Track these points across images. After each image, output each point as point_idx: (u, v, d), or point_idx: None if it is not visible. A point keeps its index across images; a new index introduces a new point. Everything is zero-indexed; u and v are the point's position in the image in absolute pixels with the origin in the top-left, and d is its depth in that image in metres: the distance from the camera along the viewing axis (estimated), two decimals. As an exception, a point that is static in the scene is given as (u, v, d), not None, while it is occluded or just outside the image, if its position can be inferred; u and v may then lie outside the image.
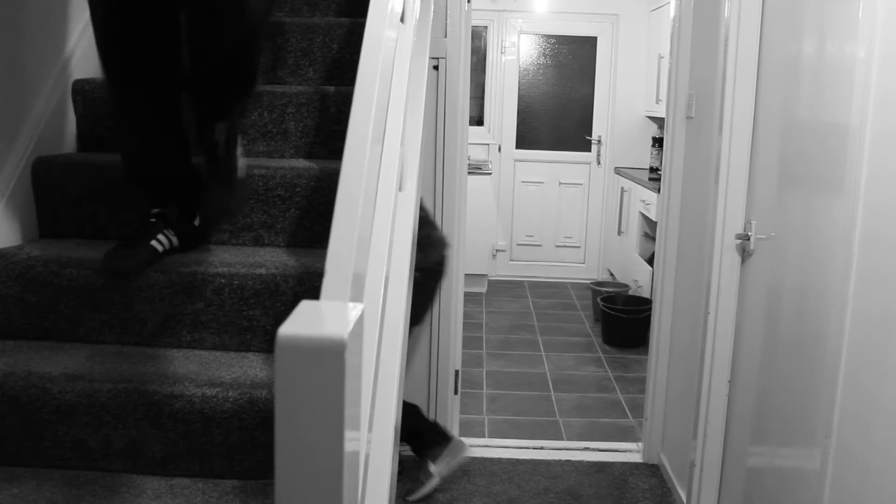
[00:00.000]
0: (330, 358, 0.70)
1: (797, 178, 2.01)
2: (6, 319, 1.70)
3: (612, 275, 5.86)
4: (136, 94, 1.60)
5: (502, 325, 4.94)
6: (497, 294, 5.70)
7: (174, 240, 1.71)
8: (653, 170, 5.34)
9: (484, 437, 3.30)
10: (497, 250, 6.15)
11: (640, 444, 3.17)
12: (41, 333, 1.71)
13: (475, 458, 3.05)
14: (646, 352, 3.32)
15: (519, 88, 6.07)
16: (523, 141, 6.14)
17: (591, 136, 6.03)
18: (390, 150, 1.49)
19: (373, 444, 1.21)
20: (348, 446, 0.73)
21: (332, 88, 2.08)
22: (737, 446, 2.37)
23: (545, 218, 6.14)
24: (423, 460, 2.74)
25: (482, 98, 6.10)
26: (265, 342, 1.70)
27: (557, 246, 6.14)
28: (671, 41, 2.92)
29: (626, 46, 5.88)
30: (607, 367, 4.19)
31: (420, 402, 3.05)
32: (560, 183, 6.09)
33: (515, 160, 6.13)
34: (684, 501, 2.64)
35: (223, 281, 1.68)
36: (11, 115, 1.86)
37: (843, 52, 1.75)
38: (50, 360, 1.59)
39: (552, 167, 6.05)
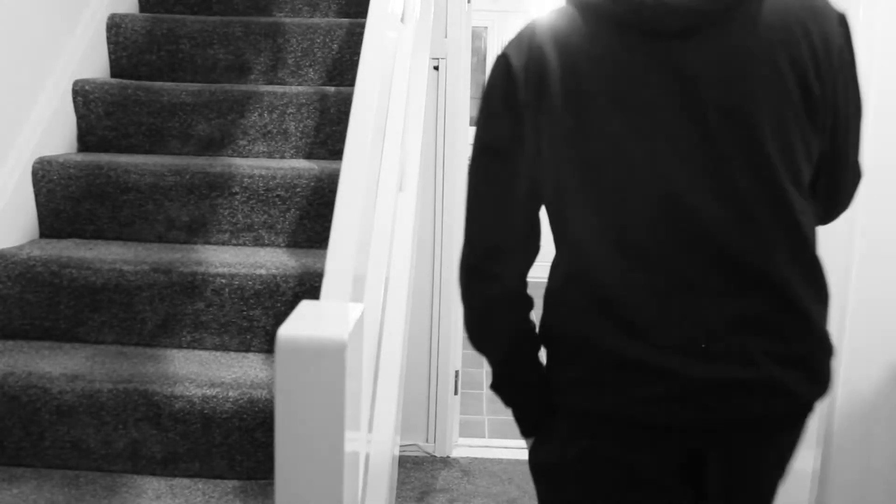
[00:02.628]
0: (330, 358, 0.70)
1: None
2: (6, 319, 1.70)
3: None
4: None
5: (502, 326, 4.93)
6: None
7: None
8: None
9: (484, 437, 3.30)
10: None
11: (640, 444, 3.16)
12: (41, 333, 1.71)
13: (475, 459, 3.05)
14: (646, 352, 3.30)
15: (519, 89, 6.04)
16: (523, 141, 6.12)
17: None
18: (390, 150, 1.49)
19: (373, 444, 1.21)
20: (348, 446, 0.73)
21: (332, 89, 2.08)
22: (737, 447, 2.37)
23: (545, 218, 6.13)
24: None
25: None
26: (265, 342, 1.70)
27: (557, 246, 6.14)
28: (671, 41, 2.91)
29: (626, 47, 5.87)
30: (607, 368, 4.19)
31: (420, 402, 3.05)
32: (560, 183, 6.09)
33: (515, 160, 6.11)
34: (684, 502, 2.64)
35: (223, 281, 1.68)
36: (12, 115, 1.86)
37: (843, 52, 1.75)
38: (50, 360, 1.59)
39: (552, 167, 6.05)
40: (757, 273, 1.00)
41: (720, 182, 0.97)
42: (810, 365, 1.03)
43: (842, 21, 1.02)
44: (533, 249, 1.12)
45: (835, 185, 1.13)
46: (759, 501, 1.14)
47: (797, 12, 0.99)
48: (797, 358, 1.02)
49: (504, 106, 1.04)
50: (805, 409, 1.08)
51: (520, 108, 1.03)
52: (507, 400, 1.19)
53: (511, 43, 1.07)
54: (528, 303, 1.11)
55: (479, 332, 1.15)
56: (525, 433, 1.23)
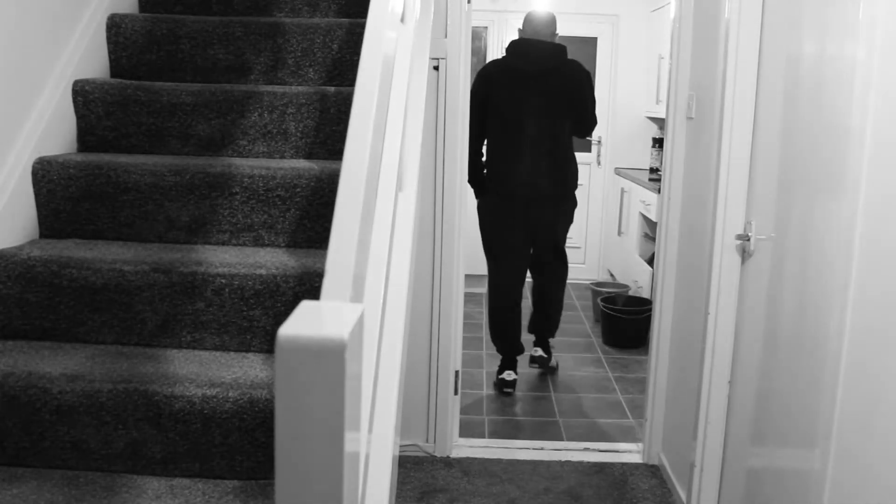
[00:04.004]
0: (330, 358, 0.70)
1: (797, 179, 2.01)
2: (6, 319, 1.70)
3: (612, 275, 5.85)
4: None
5: (502, 326, 4.93)
6: (497, 294, 5.69)
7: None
8: (653, 170, 5.34)
9: (484, 437, 3.30)
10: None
11: (640, 444, 3.17)
12: (41, 333, 1.71)
13: (475, 459, 3.05)
14: (646, 352, 3.32)
15: (519, 89, 6.05)
16: (523, 141, 6.13)
17: (591, 136, 6.02)
18: (390, 150, 1.49)
19: (373, 444, 1.21)
20: (348, 446, 0.73)
21: (332, 89, 2.08)
22: (737, 446, 2.37)
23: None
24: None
25: (482, 98, 6.08)
26: (265, 342, 1.70)
27: (557, 246, 6.13)
28: (671, 42, 2.92)
29: (626, 47, 5.88)
30: (607, 368, 4.19)
31: (420, 402, 3.05)
32: (560, 183, 6.09)
33: (515, 160, 6.11)
34: (684, 502, 2.64)
35: (223, 281, 1.68)
36: (11, 115, 1.86)
37: (844, 52, 1.75)
38: (50, 360, 1.59)
39: (552, 167, 6.05)
40: (547, 154, 3.56)
41: (540, 124, 3.53)
42: (562, 180, 3.64)
43: (587, 75, 3.64)
44: (483, 140, 3.65)
45: (580, 127, 3.68)
46: (553, 228, 3.73)
47: (570, 72, 3.58)
48: (555, 179, 3.60)
49: (480, 92, 3.50)
50: (558, 196, 3.66)
51: (484, 94, 3.54)
52: (475, 185, 3.66)
53: (485, 67, 3.73)
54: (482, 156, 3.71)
55: (471, 167, 3.22)
56: (477, 196, 3.71)
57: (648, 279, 4.47)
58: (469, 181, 3.39)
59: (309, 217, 1.88)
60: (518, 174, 3.55)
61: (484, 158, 3.70)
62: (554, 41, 3.63)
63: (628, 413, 3.59)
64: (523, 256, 3.76)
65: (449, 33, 2.83)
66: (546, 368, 4.03)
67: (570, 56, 3.68)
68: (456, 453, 3.10)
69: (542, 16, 3.69)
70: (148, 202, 1.88)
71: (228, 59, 2.22)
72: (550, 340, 4.09)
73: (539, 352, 4.00)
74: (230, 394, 1.50)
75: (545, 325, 3.99)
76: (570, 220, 3.81)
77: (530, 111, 3.51)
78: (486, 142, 3.66)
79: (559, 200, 3.68)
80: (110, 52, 2.24)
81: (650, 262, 4.50)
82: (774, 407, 2.08)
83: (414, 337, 2.89)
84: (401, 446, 2.94)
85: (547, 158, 3.54)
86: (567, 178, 3.66)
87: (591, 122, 3.70)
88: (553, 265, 3.83)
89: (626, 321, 4.48)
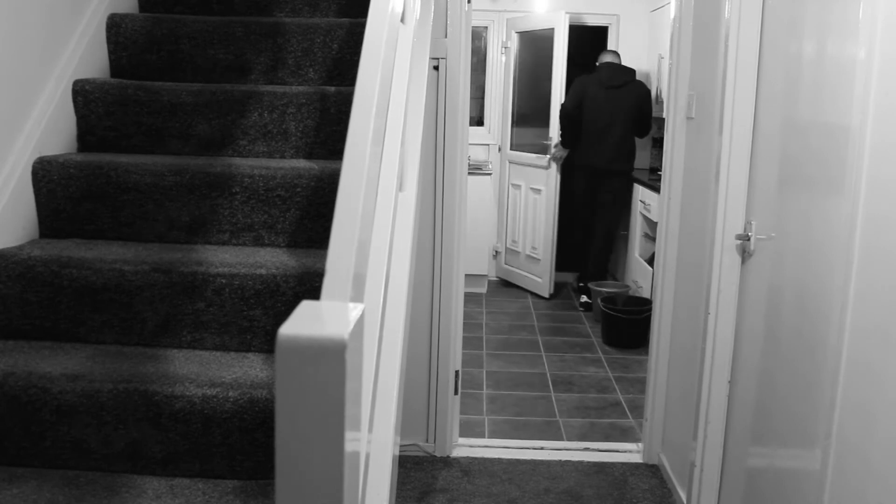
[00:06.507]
0: (330, 358, 0.70)
1: (797, 179, 2.01)
2: (6, 319, 1.70)
3: (612, 275, 5.85)
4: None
5: (502, 326, 4.94)
6: (497, 294, 5.70)
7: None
8: (653, 170, 5.34)
9: (484, 437, 3.30)
10: (497, 251, 6.14)
11: (640, 444, 3.17)
12: (41, 333, 1.71)
13: (475, 459, 3.05)
14: (646, 352, 3.32)
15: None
16: (523, 141, 6.14)
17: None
18: (390, 150, 1.49)
19: (373, 444, 1.21)
20: (348, 446, 0.73)
21: (332, 89, 2.08)
22: (737, 447, 2.37)
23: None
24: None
25: (482, 98, 6.09)
26: (266, 342, 1.70)
27: (557, 246, 6.12)
28: (671, 42, 2.92)
29: (626, 47, 5.87)
30: (607, 368, 4.19)
31: (420, 402, 3.05)
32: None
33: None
34: (684, 502, 2.64)
35: (224, 281, 1.68)
36: (11, 115, 1.86)
37: (844, 52, 1.75)
38: (50, 360, 1.59)
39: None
40: (618, 145, 5.20)
41: (614, 125, 5.16)
42: (621, 160, 5.22)
43: (647, 91, 5.26)
44: (573, 117, 5.28)
45: (638, 129, 5.25)
46: (613, 196, 5.29)
47: (637, 87, 5.22)
48: (621, 160, 5.22)
49: (580, 92, 5.24)
50: (620, 174, 5.27)
51: (581, 95, 5.24)
52: (566, 144, 5.41)
53: (578, 79, 5.31)
54: (579, 126, 5.30)
55: (567, 133, 5.32)
56: (565, 146, 5.41)
57: (649, 279, 4.47)
58: (563, 143, 5.36)
59: (309, 217, 1.88)
60: (588, 154, 5.26)
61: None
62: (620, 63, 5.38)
63: (628, 413, 3.59)
64: (588, 211, 5.40)
65: (449, 33, 2.83)
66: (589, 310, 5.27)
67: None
68: (456, 453, 3.10)
69: (613, 50, 5.58)
70: (148, 202, 1.88)
71: (228, 59, 2.22)
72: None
73: (584, 298, 5.31)
74: (230, 394, 1.50)
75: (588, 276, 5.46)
76: (619, 197, 5.25)
77: (604, 113, 5.15)
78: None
79: (613, 175, 5.21)
80: (110, 52, 2.24)
81: (650, 262, 4.49)
82: (774, 407, 2.08)
83: (414, 337, 2.89)
84: (401, 446, 2.94)
85: (611, 146, 5.16)
86: (623, 161, 5.19)
87: (646, 127, 5.26)
88: (599, 242, 5.33)
89: (626, 321, 4.48)
